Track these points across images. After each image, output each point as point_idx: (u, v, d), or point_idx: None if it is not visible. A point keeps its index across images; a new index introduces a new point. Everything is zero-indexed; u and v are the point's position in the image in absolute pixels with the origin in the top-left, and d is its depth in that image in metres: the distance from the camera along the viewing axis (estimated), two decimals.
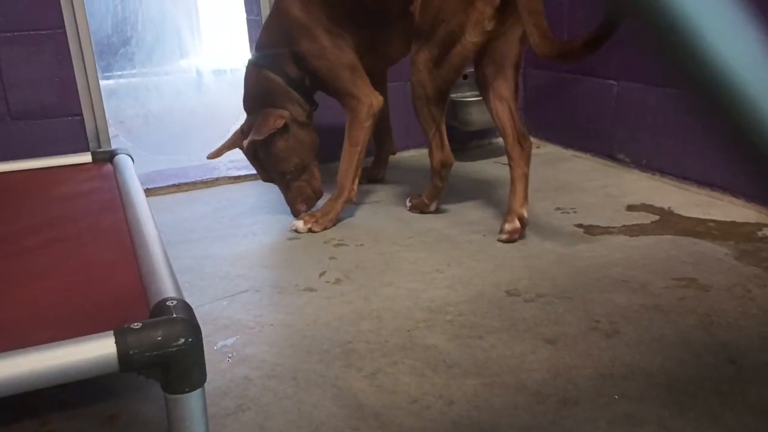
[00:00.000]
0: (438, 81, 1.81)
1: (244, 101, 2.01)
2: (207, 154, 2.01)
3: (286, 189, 1.98)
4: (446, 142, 1.92)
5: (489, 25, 1.71)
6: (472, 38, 1.73)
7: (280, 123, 1.87)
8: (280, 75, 1.94)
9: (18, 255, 1.28)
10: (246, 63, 2.02)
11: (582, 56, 1.51)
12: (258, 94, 1.96)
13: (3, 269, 1.22)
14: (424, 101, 1.85)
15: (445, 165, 1.93)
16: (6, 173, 1.83)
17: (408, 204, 2.10)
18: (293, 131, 1.92)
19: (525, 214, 1.79)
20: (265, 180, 2.02)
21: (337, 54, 1.92)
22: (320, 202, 2.03)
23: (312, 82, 1.98)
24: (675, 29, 0.27)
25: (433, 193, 2.02)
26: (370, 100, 1.93)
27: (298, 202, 1.97)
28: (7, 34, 2.10)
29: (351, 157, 1.95)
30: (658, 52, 0.28)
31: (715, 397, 1.09)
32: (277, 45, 1.95)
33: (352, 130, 1.95)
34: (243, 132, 1.97)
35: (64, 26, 2.14)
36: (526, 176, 1.82)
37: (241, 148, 1.98)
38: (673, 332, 1.29)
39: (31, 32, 2.13)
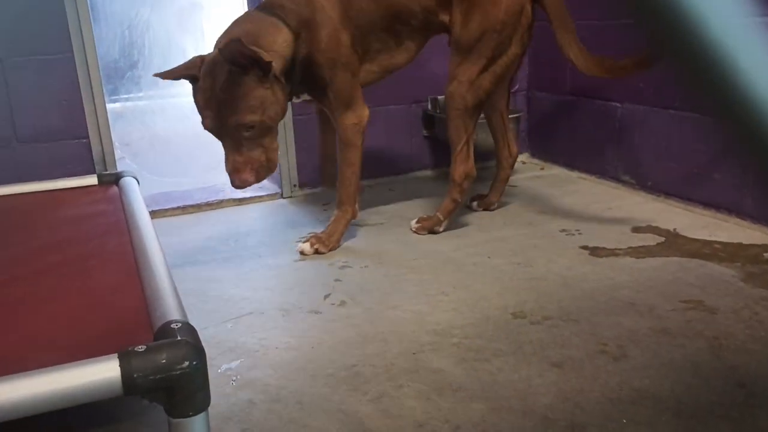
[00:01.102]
0: (480, 93, 1.89)
1: (218, 38, 1.70)
2: (156, 73, 1.68)
3: (235, 150, 1.62)
4: (472, 154, 1.96)
5: (526, 37, 1.90)
6: (515, 50, 1.89)
7: (267, 56, 1.57)
8: (286, 27, 1.70)
9: (24, 278, 1.28)
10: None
11: (632, 72, 1.78)
12: (247, 33, 1.63)
13: (9, 292, 1.22)
14: (462, 113, 1.89)
15: (469, 177, 1.98)
16: (13, 195, 1.84)
17: (414, 226, 2.05)
18: (272, 83, 1.61)
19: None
20: (207, 127, 1.63)
21: (350, 57, 1.80)
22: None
23: (302, 75, 1.75)
24: (715, 68, 0.27)
25: (448, 209, 2.01)
26: (363, 113, 1.85)
27: (247, 170, 1.63)
28: (17, 59, 2.12)
29: (350, 177, 1.89)
30: (695, 88, 0.28)
31: (725, 422, 1.07)
32: (289, 17, 1.71)
33: (347, 151, 1.87)
34: (203, 58, 1.63)
35: (72, 51, 2.17)
36: (508, 177, 2.24)
37: (195, 78, 1.63)
38: (682, 356, 1.27)
39: (40, 57, 2.15)
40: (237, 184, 1.64)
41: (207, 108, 1.60)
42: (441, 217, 2.00)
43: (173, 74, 1.65)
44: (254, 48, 1.55)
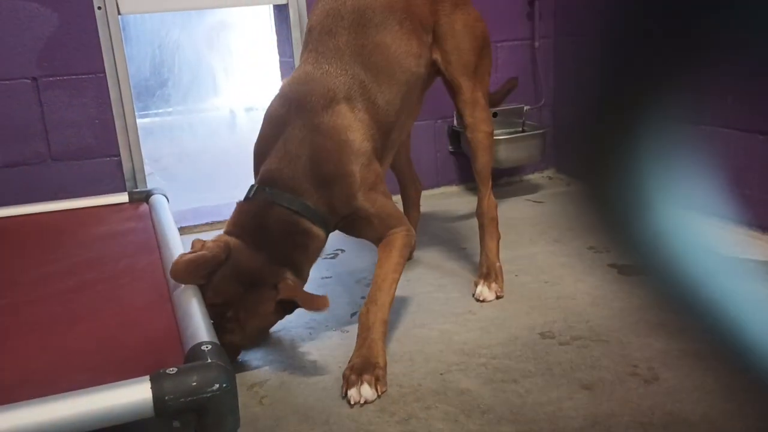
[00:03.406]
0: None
1: (253, 236, 1.37)
2: (171, 272, 1.27)
3: (222, 332, 1.30)
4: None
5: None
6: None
7: (324, 306, 1.32)
8: (321, 226, 1.41)
9: (57, 296, 1.31)
10: (266, 196, 1.39)
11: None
12: (291, 247, 1.39)
13: (41, 311, 1.24)
14: (492, 139, 1.75)
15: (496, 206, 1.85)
16: (46, 213, 1.88)
17: (489, 294, 1.68)
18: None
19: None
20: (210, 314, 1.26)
21: (381, 176, 1.49)
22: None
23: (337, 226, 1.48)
24: None
25: (496, 249, 1.78)
26: (410, 224, 1.52)
27: (235, 354, 1.42)
28: (50, 79, 2.18)
29: (392, 287, 1.43)
30: None
31: None
32: (314, 180, 1.39)
33: (399, 257, 1.44)
34: (229, 245, 1.35)
35: (104, 71, 2.21)
36: (419, 215, 2.12)
37: (197, 280, 1.28)
38: (714, 379, 1.25)
39: (73, 77, 2.20)
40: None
41: (212, 310, 1.27)
42: (498, 263, 1.75)
43: (190, 278, 1.27)
44: (293, 289, 1.34)
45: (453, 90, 1.70)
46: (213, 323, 1.17)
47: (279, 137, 1.42)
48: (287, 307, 1.37)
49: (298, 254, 1.40)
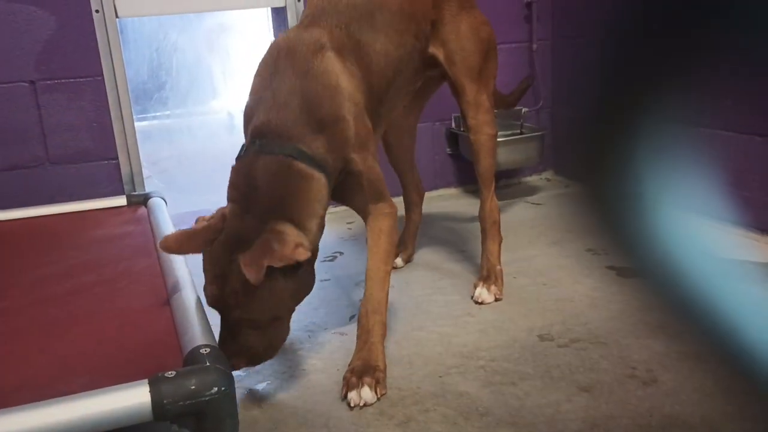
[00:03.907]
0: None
1: (245, 194, 1.25)
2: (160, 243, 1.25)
3: (230, 334, 1.23)
4: None
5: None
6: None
7: (303, 255, 1.18)
8: (319, 170, 1.29)
9: (53, 300, 1.30)
10: (255, 147, 1.28)
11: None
12: (276, 201, 1.24)
13: (39, 315, 1.24)
14: (495, 141, 1.74)
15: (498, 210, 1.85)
16: (44, 217, 1.88)
17: (487, 297, 1.68)
18: (302, 270, 1.25)
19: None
20: (208, 302, 1.23)
21: (372, 137, 1.44)
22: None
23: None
24: None
25: (498, 252, 1.78)
26: (391, 201, 1.47)
27: (238, 360, 1.24)
28: (48, 82, 2.17)
29: (386, 281, 1.41)
30: None
31: None
32: (306, 126, 1.29)
33: (388, 245, 1.43)
34: (213, 228, 1.23)
35: (102, 74, 2.21)
36: (421, 220, 2.11)
37: (196, 249, 1.23)
38: (714, 382, 1.25)
39: (71, 80, 2.20)
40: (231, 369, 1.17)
41: (213, 284, 1.20)
42: (498, 266, 1.75)
43: (182, 245, 1.23)
44: (286, 248, 1.17)
45: (457, 91, 1.70)
46: (218, 300, 1.19)
47: (267, 90, 1.33)
48: (287, 272, 1.20)
49: (294, 202, 1.24)
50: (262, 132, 1.29)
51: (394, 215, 1.45)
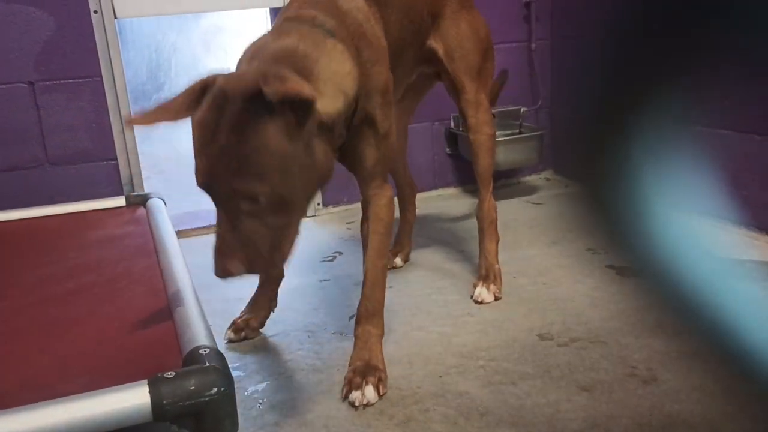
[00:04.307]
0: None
1: (244, 55, 1.20)
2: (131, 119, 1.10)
3: (228, 223, 1.05)
4: None
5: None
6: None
7: (309, 93, 0.99)
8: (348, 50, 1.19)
9: (53, 300, 1.30)
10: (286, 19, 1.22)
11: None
12: (291, 52, 1.11)
13: (38, 315, 1.24)
14: (494, 141, 1.73)
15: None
16: (43, 217, 1.88)
17: (487, 296, 1.68)
18: (311, 135, 1.06)
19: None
20: (199, 183, 1.07)
21: (392, 110, 1.35)
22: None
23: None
24: None
25: (496, 251, 1.78)
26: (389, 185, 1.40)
27: (235, 257, 1.05)
28: (47, 83, 2.17)
29: (383, 278, 1.39)
30: None
31: None
32: (345, 38, 1.21)
33: (385, 237, 1.38)
34: (207, 83, 1.05)
35: (101, 75, 2.21)
36: (415, 218, 2.06)
37: (178, 116, 1.06)
38: (714, 381, 1.25)
39: (70, 80, 2.20)
40: (217, 272, 1.06)
41: (202, 155, 1.03)
42: (497, 265, 1.75)
43: (154, 117, 1.07)
44: (291, 81, 1.00)
45: (456, 90, 1.69)
46: (207, 171, 1.02)
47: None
48: (291, 129, 1.02)
49: (308, 57, 1.11)
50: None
51: (393, 202, 1.40)
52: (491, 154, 1.73)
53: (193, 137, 1.05)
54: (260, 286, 1.62)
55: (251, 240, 1.05)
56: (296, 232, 1.11)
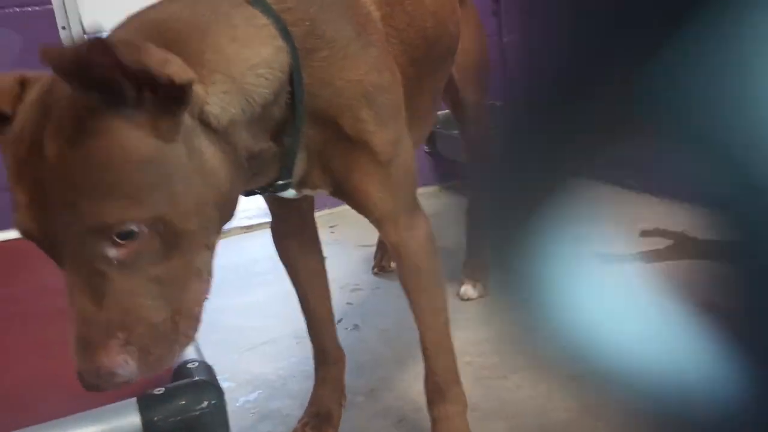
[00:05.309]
0: None
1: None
2: None
3: (86, 290, 0.67)
4: None
5: None
6: None
7: (184, 74, 0.65)
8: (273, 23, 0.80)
9: (31, 317, 1.29)
10: None
11: None
12: (169, 23, 0.75)
13: (24, 331, 1.22)
14: None
15: None
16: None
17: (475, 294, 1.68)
18: (191, 134, 0.70)
19: None
20: (22, 229, 0.67)
21: (403, 108, 0.99)
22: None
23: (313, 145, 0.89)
24: None
25: None
26: (423, 214, 1.10)
27: (112, 346, 0.69)
28: None
29: (446, 332, 1.13)
30: None
31: None
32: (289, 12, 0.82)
33: (433, 286, 1.10)
34: (26, 79, 0.73)
35: None
36: None
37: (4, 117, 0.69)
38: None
39: None
40: (86, 381, 0.74)
41: (23, 183, 0.65)
42: (485, 262, 1.65)
43: None
44: (159, 52, 0.64)
45: (457, 101, 1.61)
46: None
47: None
48: (160, 119, 0.66)
49: (201, 32, 0.75)
50: None
51: (431, 239, 1.08)
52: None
53: (6, 160, 0.67)
54: (318, 371, 1.26)
55: (133, 311, 0.67)
56: (202, 276, 0.74)
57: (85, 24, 2.17)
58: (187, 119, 0.69)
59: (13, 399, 0.99)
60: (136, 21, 0.77)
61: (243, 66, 0.76)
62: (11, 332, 1.24)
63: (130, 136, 0.65)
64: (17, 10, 2.09)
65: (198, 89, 0.70)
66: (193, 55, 0.71)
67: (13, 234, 1.84)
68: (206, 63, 0.73)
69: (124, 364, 0.70)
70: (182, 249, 0.69)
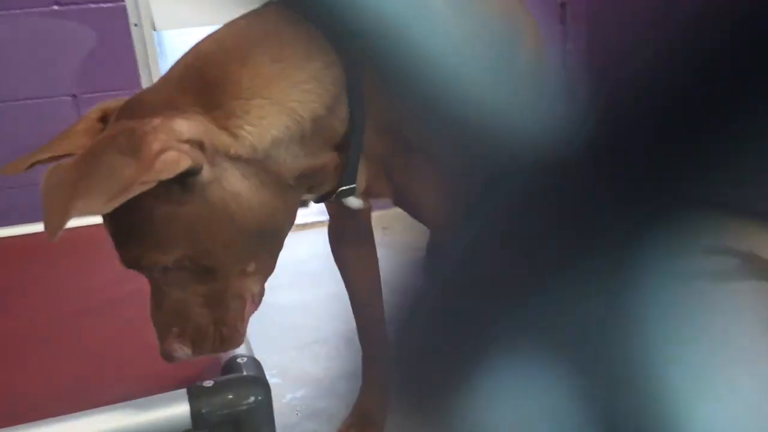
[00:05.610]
0: None
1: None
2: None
3: (155, 298, 0.87)
4: None
5: None
6: None
7: (176, 167, 0.70)
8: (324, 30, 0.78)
9: (95, 308, 1.32)
10: None
11: None
12: (201, 69, 0.80)
13: (81, 322, 1.26)
14: None
15: None
16: (88, 227, 1.91)
17: None
18: (217, 182, 0.76)
19: None
20: (117, 252, 0.83)
21: None
22: None
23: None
24: None
25: None
26: None
27: (169, 336, 0.86)
28: (89, 95, 2.23)
29: None
30: None
31: None
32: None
33: None
34: (106, 112, 0.89)
35: (140, 86, 2.26)
36: None
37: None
38: None
39: (111, 92, 2.25)
40: (162, 353, 0.88)
41: (106, 223, 0.81)
42: None
43: (27, 161, 0.85)
44: (155, 150, 0.69)
45: None
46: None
47: None
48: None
49: (223, 70, 0.79)
50: None
51: None
52: None
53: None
54: (366, 373, 1.29)
55: (182, 314, 0.84)
56: (242, 297, 0.86)
57: (156, 21, 2.23)
58: (205, 174, 0.75)
59: (71, 385, 1.02)
60: (186, 59, 0.84)
61: (286, 84, 0.78)
62: (68, 324, 1.28)
63: (148, 204, 0.74)
64: (92, 6, 2.17)
65: (222, 138, 0.76)
66: (229, 93, 0.77)
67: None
68: (244, 92, 0.77)
69: (178, 349, 0.87)
70: (216, 276, 0.82)
